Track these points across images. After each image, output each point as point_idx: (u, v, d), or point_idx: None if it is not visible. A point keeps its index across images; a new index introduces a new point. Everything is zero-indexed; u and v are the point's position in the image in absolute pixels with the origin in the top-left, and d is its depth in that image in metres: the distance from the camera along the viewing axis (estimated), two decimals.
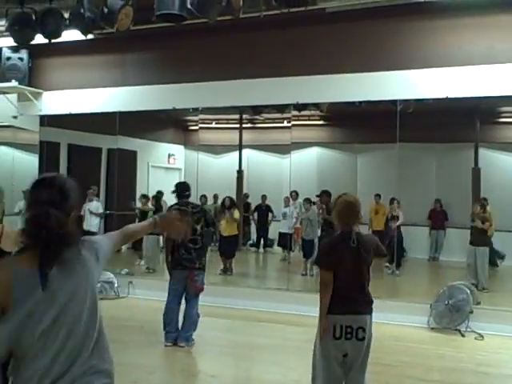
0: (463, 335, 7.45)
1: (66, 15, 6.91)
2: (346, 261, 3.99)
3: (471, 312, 7.55)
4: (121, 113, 10.39)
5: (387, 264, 10.50)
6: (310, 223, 11.42)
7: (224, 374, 6.11)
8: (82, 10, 6.68)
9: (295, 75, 8.80)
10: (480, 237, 9.54)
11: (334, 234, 4.21)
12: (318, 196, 10.89)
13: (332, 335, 3.96)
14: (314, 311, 7.12)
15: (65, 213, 2.13)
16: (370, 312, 4.10)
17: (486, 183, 11.81)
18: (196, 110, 10.29)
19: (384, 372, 4.51)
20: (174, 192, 6.96)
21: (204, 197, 12.83)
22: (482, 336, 7.36)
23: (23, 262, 2.08)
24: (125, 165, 12.57)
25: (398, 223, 10.92)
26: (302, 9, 6.27)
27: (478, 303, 7.88)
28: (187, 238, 6.16)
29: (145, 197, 12.42)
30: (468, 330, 7.48)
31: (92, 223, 11.98)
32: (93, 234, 11.08)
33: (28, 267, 2.06)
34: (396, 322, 7.85)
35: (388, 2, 7.68)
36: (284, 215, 12.55)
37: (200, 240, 6.78)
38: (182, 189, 6.89)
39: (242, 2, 5.98)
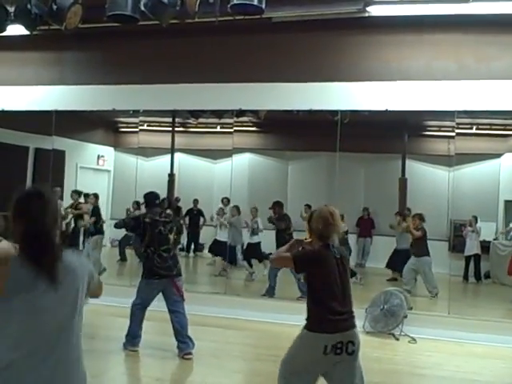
0: (397, 339, 7.73)
1: (11, 10, 6.68)
2: (332, 274, 3.83)
3: (405, 316, 7.86)
4: (47, 112, 10.05)
5: None
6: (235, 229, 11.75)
7: (168, 379, 6.09)
8: (28, 6, 6.48)
9: (238, 82, 8.88)
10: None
11: (315, 247, 3.94)
12: (270, 208, 10.73)
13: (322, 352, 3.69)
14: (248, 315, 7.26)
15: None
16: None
17: (412, 193, 12.32)
18: (137, 112, 10.15)
19: None
20: (143, 203, 7.07)
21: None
22: (415, 339, 7.68)
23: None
24: (53, 165, 12.21)
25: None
26: (257, 17, 6.31)
27: (411, 308, 8.20)
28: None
29: (77, 193, 11.63)
30: (402, 334, 7.78)
31: None
32: None
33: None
34: None
35: (332, 15, 7.88)
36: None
37: (173, 248, 6.89)
38: (150, 198, 6.90)
39: (197, 7, 5.98)
